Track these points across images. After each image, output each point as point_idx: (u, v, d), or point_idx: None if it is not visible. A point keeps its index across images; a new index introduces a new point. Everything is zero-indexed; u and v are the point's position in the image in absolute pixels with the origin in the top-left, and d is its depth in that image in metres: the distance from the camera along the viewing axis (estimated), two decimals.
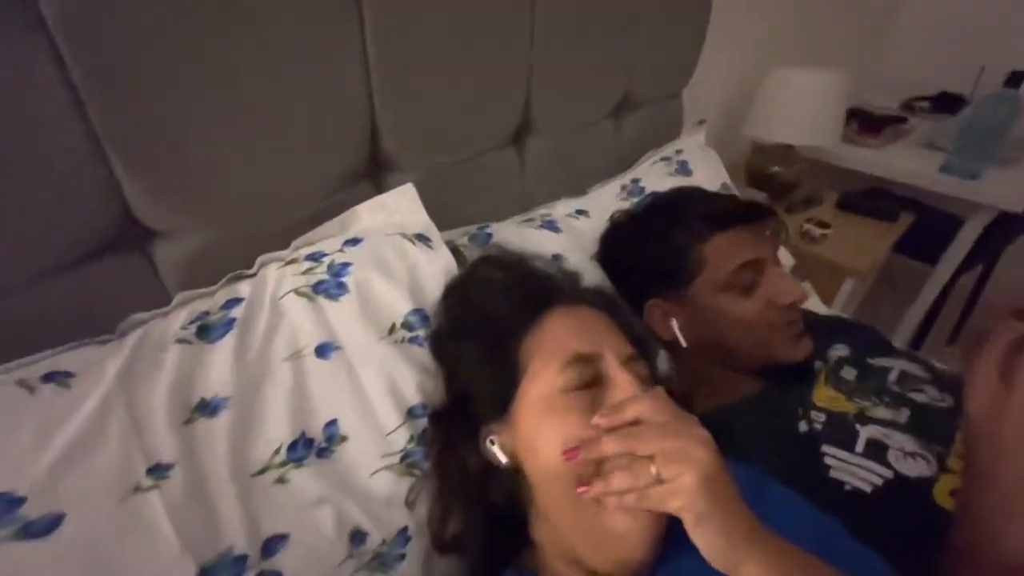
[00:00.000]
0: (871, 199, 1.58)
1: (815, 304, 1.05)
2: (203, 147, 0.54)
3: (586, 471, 0.41)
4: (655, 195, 0.84)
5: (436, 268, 0.62)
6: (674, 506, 0.36)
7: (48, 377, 0.44)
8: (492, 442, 0.47)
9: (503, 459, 0.46)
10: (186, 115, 0.51)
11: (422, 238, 0.65)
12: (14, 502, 0.37)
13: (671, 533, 0.41)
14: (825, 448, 0.59)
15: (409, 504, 0.52)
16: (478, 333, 0.51)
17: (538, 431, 0.44)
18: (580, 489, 0.40)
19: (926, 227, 1.56)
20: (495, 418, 0.48)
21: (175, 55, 0.49)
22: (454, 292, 0.59)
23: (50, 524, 0.38)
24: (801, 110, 1.30)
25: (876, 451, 0.57)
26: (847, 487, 0.55)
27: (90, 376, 0.45)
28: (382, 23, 0.61)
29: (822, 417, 0.62)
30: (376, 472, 0.52)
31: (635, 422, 0.39)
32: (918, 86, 2.07)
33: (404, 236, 0.63)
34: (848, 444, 0.58)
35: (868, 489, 0.55)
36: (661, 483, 0.36)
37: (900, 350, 0.80)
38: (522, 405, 0.46)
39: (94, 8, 0.43)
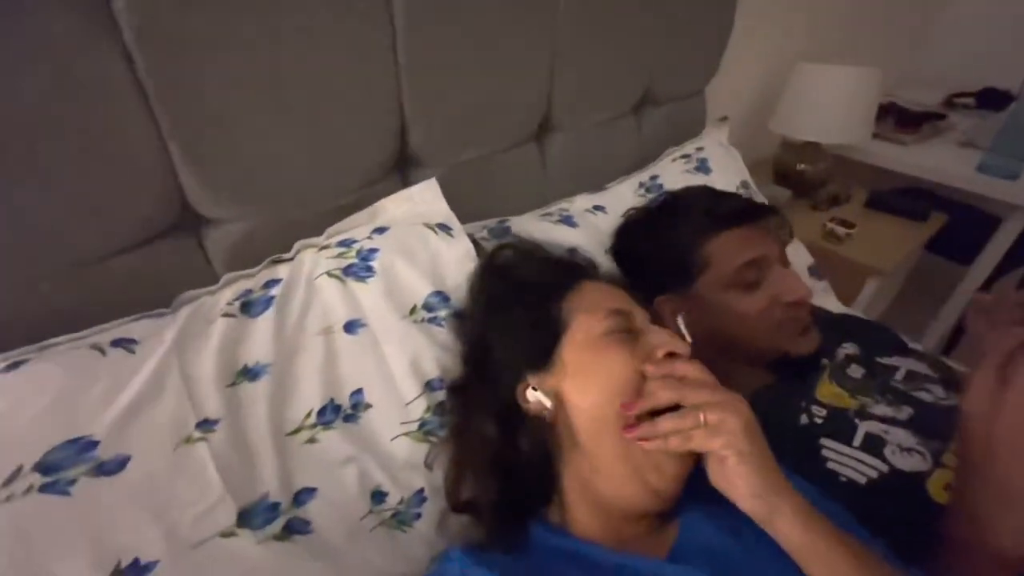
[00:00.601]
0: (903, 197, 1.54)
1: (831, 303, 1.05)
2: (251, 143, 0.60)
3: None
4: (665, 194, 0.86)
5: (456, 254, 0.67)
6: (718, 444, 0.42)
7: (116, 343, 0.50)
8: (535, 388, 0.51)
9: (548, 402, 0.50)
10: (237, 114, 0.57)
11: (443, 227, 0.69)
12: (90, 445, 0.44)
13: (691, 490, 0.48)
14: (823, 441, 0.60)
15: (428, 466, 0.57)
16: (521, 296, 0.56)
17: (588, 366, 0.50)
18: (626, 431, 0.45)
19: (962, 226, 1.51)
20: (536, 369, 0.52)
21: (228, 59, 0.54)
22: (486, 271, 0.64)
23: (119, 464, 0.44)
24: (829, 108, 1.29)
25: (873, 445, 0.58)
26: (841, 478, 0.57)
27: (151, 342, 0.51)
28: (411, 26, 0.65)
29: (823, 412, 0.64)
30: (396, 437, 0.57)
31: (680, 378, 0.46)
32: (962, 82, 1.99)
33: (427, 226, 0.68)
34: (846, 438, 0.60)
35: (862, 481, 0.56)
36: (706, 427, 0.42)
37: (914, 349, 0.80)
38: (568, 350, 0.51)
39: (161, 18, 0.49)
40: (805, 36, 1.58)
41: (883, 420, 0.60)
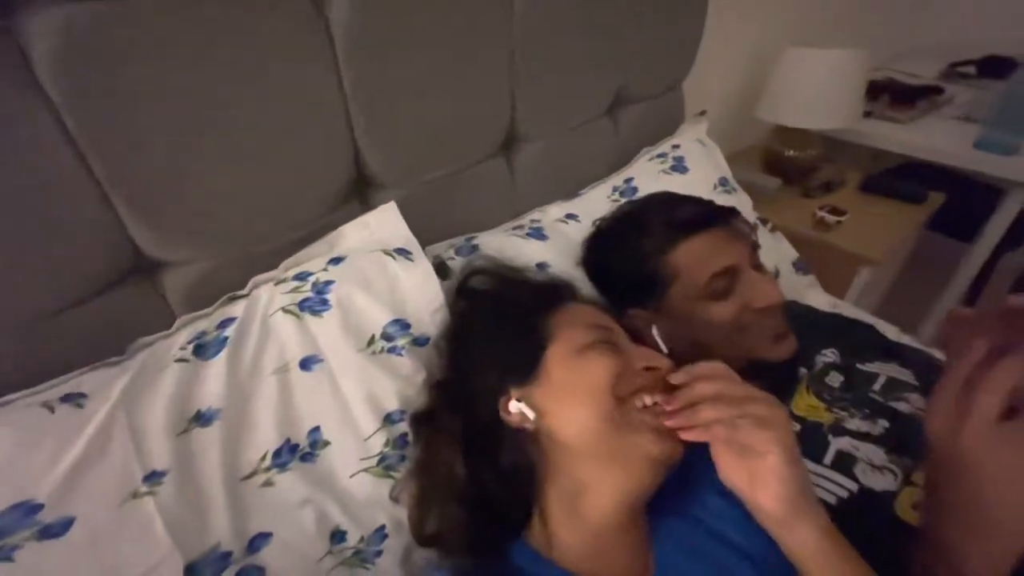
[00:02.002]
0: (899, 179, 1.48)
1: (818, 299, 1.01)
2: (197, 186, 0.58)
3: (631, 386, 0.47)
4: (626, 204, 0.84)
5: (415, 279, 0.65)
6: (766, 437, 0.40)
7: (66, 398, 0.50)
8: (519, 399, 0.49)
9: (531, 414, 0.48)
10: (179, 160, 0.56)
11: (402, 252, 0.68)
12: (35, 508, 0.44)
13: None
14: None
15: (394, 499, 0.56)
16: (504, 312, 0.56)
17: (574, 374, 0.49)
18: (668, 417, 0.44)
19: (964, 202, 1.44)
20: (520, 381, 0.50)
21: (164, 109, 0.53)
22: (464, 293, 0.64)
23: (64, 526, 0.44)
24: (815, 92, 1.24)
25: (844, 463, 0.56)
26: None
27: (100, 395, 0.51)
28: (353, 52, 0.63)
29: (796, 427, 0.61)
30: (355, 474, 0.56)
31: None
32: (964, 49, 1.90)
33: (385, 252, 0.67)
34: (817, 455, 0.58)
35: (833, 501, 0.55)
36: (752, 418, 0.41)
37: (902, 348, 0.77)
38: (553, 361, 0.50)
39: (90, 79, 0.48)
40: (793, 18, 1.52)
41: (856, 436, 0.58)
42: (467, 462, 0.50)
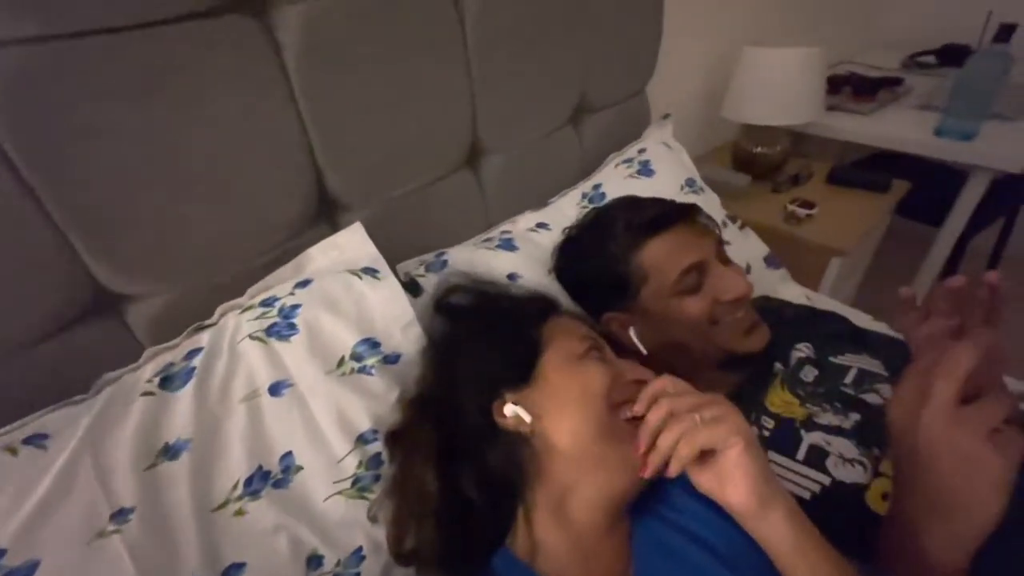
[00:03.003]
0: (864, 169, 1.51)
1: (791, 291, 1.02)
2: (153, 221, 0.58)
3: (621, 396, 0.50)
4: (591, 211, 0.85)
5: (382, 297, 0.65)
6: (724, 431, 0.42)
7: (28, 440, 0.49)
8: (516, 402, 0.50)
9: (527, 417, 0.49)
10: (133, 194, 0.56)
11: (369, 271, 0.67)
12: None
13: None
14: (770, 455, 0.60)
15: (372, 519, 0.56)
16: (496, 322, 0.58)
17: (569, 380, 0.51)
18: (642, 472, 0.45)
19: (931, 187, 1.47)
20: (515, 385, 0.52)
21: (115, 144, 0.53)
22: (450, 309, 0.65)
23: (29, 570, 0.43)
24: (777, 90, 1.26)
25: (816, 458, 0.57)
26: None
27: (64, 435, 0.50)
28: (306, 76, 0.64)
29: (771, 423, 0.62)
30: (329, 497, 0.56)
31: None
32: (922, 40, 1.94)
33: (351, 272, 0.66)
34: (790, 451, 0.59)
35: (807, 496, 0.56)
36: (704, 423, 0.42)
37: (866, 335, 0.78)
38: (548, 367, 0.52)
39: (33, 112, 0.48)
40: (752, 19, 1.55)
41: (828, 430, 0.59)
42: (446, 474, 0.51)
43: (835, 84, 1.64)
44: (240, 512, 0.52)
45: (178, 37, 0.55)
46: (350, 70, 0.67)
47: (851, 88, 1.64)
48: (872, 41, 2.07)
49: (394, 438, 0.57)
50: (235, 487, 0.53)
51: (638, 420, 0.48)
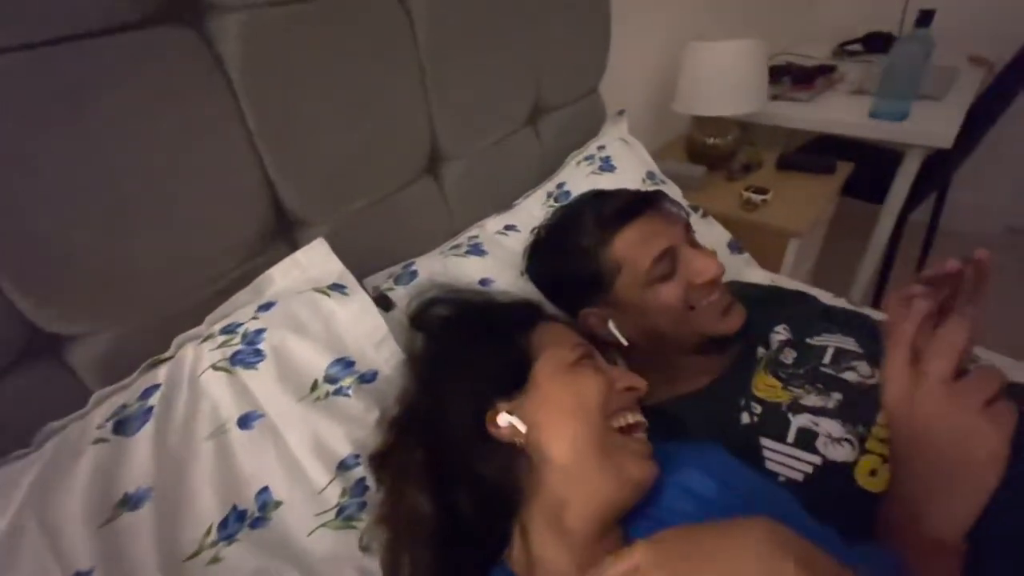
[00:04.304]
0: (811, 153, 1.56)
1: (757, 275, 1.04)
2: (91, 251, 0.53)
3: (614, 405, 0.48)
4: (557, 209, 0.84)
5: (351, 313, 0.62)
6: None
7: None
8: (510, 411, 0.48)
9: (523, 427, 0.47)
10: (66, 224, 0.51)
11: (336, 287, 0.64)
12: None
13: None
14: (763, 441, 0.59)
15: (363, 548, 0.52)
16: (485, 331, 0.55)
17: (563, 388, 0.48)
18: None
19: (872, 167, 1.54)
20: (509, 394, 0.49)
21: (43, 168, 0.48)
22: (426, 323, 0.61)
23: None
24: (721, 81, 1.29)
25: (805, 439, 0.57)
26: (780, 477, 0.56)
27: (3, 496, 0.44)
28: (251, 89, 0.60)
29: (759, 409, 0.62)
30: (313, 531, 0.52)
31: None
32: (849, 30, 2.05)
33: (317, 290, 0.63)
34: (781, 435, 0.59)
35: (800, 478, 0.56)
36: None
37: (834, 312, 0.80)
38: (541, 376, 0.49)
39: None
40: (693, 16, 1.59)
41: (814, 411, 0.59)
42: (438, 493, 0.47)
43: (775, 74, 1.70)
44: (216, 559, 0.48)
45: (107, 51, 0.50)
46: (297, 80, 0.64)
47: (790, 77, 1.71)
48: (804, 33, 2.17)
49: (380, 461, 0.53)
50: (208, 533, 0.49)
51: (631, 429, 0.49)
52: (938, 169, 1.53)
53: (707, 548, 0.32)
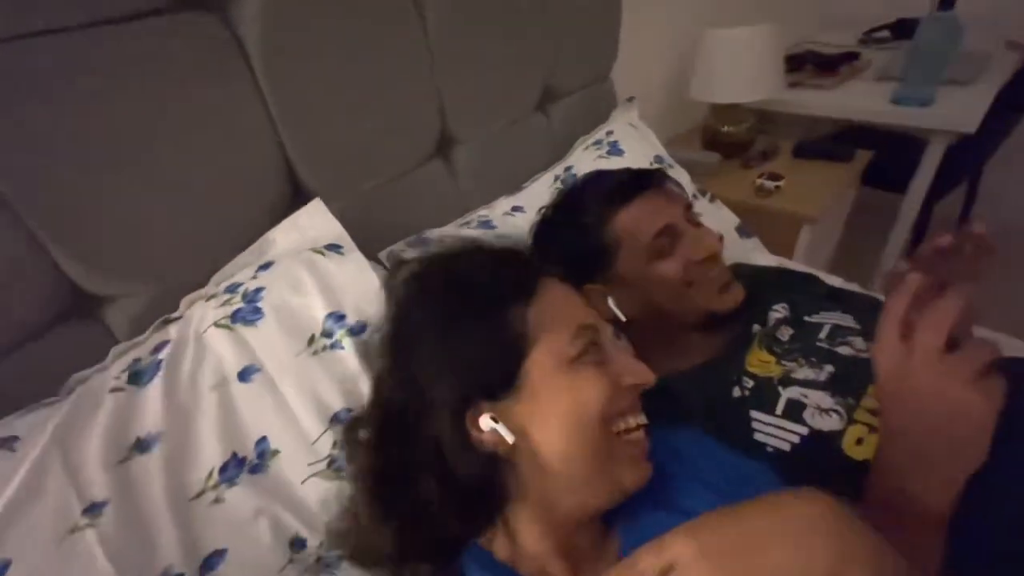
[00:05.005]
0: (829, 141, 1.52)
1: (764, 259, 1.03)
2: (124, 220, 0.57)
3: (616, 407, 0.43)
4: (562, 188, 0.85)
5: (348, 271, 0.64)
6: None
7: None
8: (495, 419, 0.41)
9: (510, 438, 0.41)
10: (104, 195, 0.55)
11: (332, 247, 0.66)
12: None
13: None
14: (752, 413, 0.59)
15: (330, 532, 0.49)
16: (470, 306, 0.44)
17: (562, 394, 0.42)
18: None
19: (896, 155, 1.49)
20: (496, 396, 0.42)
21: (79, 145, 0.52)
22: (420, 281, 0.49)
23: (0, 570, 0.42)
24: (737, 68, 1.27)
25: (793, 411, 0.57)
26: (769, 448, 0.57)
27: (32, 437, 0.48)
28: (270, 70, 0.63)
29: (751, 383, 0.62)
30: (307, 480, 0.55)
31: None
32: (875, 17, 1.98)
33: (314, 250, 0.65)
34: (770, 407, 0.59)
35: (787, 448, 0.56)
36: None
37: (842, 294, 0.79)
38: (536, 375, 0.42)
39: None
40: (710, 4, 1.57)
41: (804, 384, 0.58)
42: (406, 499, 0.43)
43: (797, 62, 1.66)
44: (218, 500, 0.51)
45: (134, 35, 0.54)
46: (312, 63, 0.67)
47: (812, 65, 1.67)
48: (828, 21, 2.10)
49: (361, 422, 0.50)
50: (210, 476, 0.52)
51: (631, 432, 0.44)
52: (964, 157, 1.47)
53: (758, 536, 0.28)
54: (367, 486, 0.44)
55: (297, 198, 0.73)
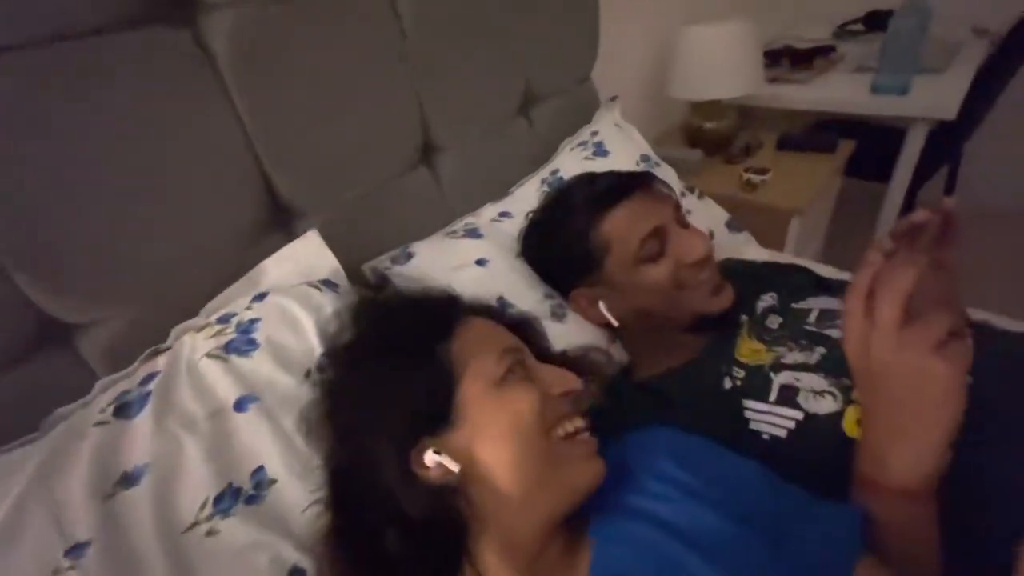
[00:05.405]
0: (811, 133, 1.54)
1: (754, 252, 1.03)
2: (94, 242, 0.55)
3: (553, 415, 0.45)
4: (550, 192, 0.84)
5: None
6: None
7: None
8: (437, 452, 0.42)
9: (455, 467, 0.41)
10: (70, 218, 0.53)
11: (328, 284, 0.65)
12: None
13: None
14: (745, 403, 0.59)
15: None
16: (398, 350, 0.46)
17: (496, 413, 0.43)
18: None
19: (876, 146, 1.51)
20: (435, 430, 0.43)
21: (44, 164, 0.50)
22: (354, 340, 0.51)
23: None
24: (714, 65, 1.28)
25: (788, 396, 0.56)
26: (764, 436, 0.56)
27: (11, 476, 0.46)
28: (242, 83, 0.62)
29: (741, 373, 0.62)
30: (308, 508, 0.52)
31: None
32: (847, 11, 2.01)
33: (310, 284, 0.64)
34: (763, 395, 0.58)
35: (783, 434, 0.55)
36: None
37: (829, 282, 0.79)
38: (469, 402, 0.43)
39: None
40: (685, 4, 1.58)
41: (795, 368, 0.58)
42: (378, 555, 0.42)
43: (773, 57, 1.68)
44: (212, 532, 0.49)
45: (100, 51, 0.52)
46: (287, 75, 0.65)
47: (788, 59, 1.68)
48: (801, 16, 2.13)
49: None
50: (203, 507, 0.50)
51: (574, 436, 0.45)
52: (944, 143, 1.49)
53: None
54: (330, 551, 0.45)
55: (276, 214, 0.71)
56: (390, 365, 0.45)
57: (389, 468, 0.42)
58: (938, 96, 1.30)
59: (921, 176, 1.53)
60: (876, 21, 1.89)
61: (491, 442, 0.43)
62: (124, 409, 0.53)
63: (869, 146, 1.45)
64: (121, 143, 0.54)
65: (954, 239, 0.50)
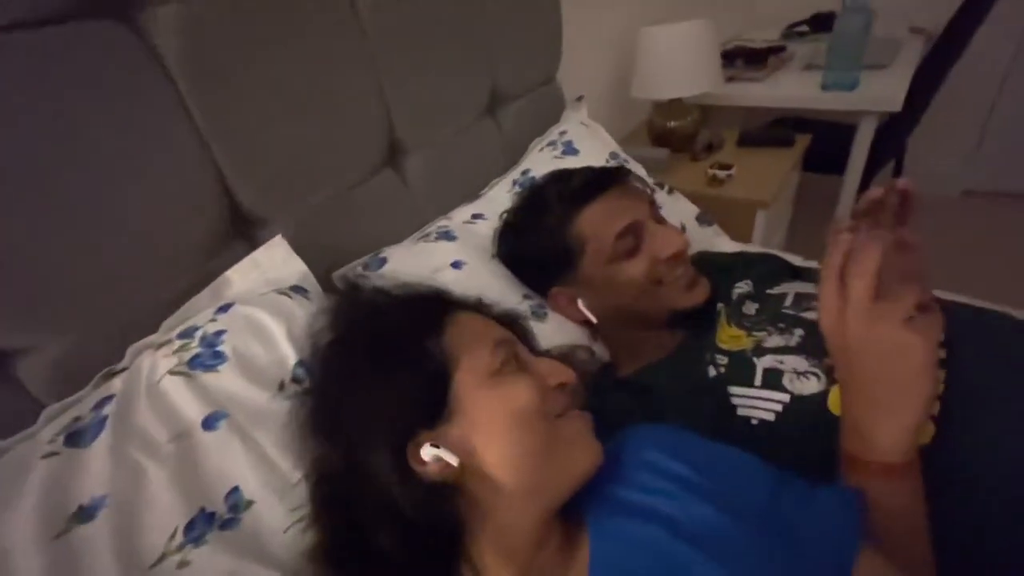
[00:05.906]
0: (770, 129, 1.59)
1: (726, 245, 1.04)
2: (30, 259, 0.50)
3: (555, 406, 0.44)
4: (523, 191, 0.83)
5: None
6: None
7: None
8: (435, 445, 0.40)
9: (453, 460, 0.40)
10: (5, 236, 0.48)
11: (298, 290, 0.62)
12: None
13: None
14: (731, 389, 0.59)
15: None
16: (391, 346, 0.44)
17: (492, 404, 0.42)
18: None
19: (827, 141, 1.58)
20: (431, 423, 0.41)
21: None
22: (339, 338, 0.48)
23: None
24: (674, 64, 1.31)
25: (772, 379, 0.57)
26: (753, 421, 0.56)
27: None
28: (196, 87, 0.58)
29: (724, 360, 0.62)
30: (290, 528, 0.49)
31: None
32: (794, 13, 2.11)
33: (279, 292, 0.61)
34: (748, 380, 0.58)
35: (772, 418, 0.55)
36: None
37: (801, 270, 0.80)
38: (464, 394, 0.42)
39: None
40: (647, 5, 1.62)
41: (777, 351, 0.58)
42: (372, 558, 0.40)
43: (729, 58, 1.74)
44: (184, 563, 0.45)
45: (32, 46, 0.48)
46: (243, 74, 0.62)
47: (743, 59, 1.75)
48: (751, 20, 2.23)
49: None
50: (172, 536, 0.45)
51: (574, 421, 0.45)
52: (891, 135, 1.57)
53: None
54: (318, 568, 0.42)
55: (237, 222, 0.68)
56: (380, 361, 0.43)
57: (385, 467, 0.40)
58: (884, 89, 1.37)
59: (872, 167, 1.60)
60: (821, 22, 1.99)
61: (490, 433, 0.41)
62: (76, 437, 0.48)
63: (822, 143, 1.52)
64: (58, 148, 0.50)
65: (911, 216, 0.52)
